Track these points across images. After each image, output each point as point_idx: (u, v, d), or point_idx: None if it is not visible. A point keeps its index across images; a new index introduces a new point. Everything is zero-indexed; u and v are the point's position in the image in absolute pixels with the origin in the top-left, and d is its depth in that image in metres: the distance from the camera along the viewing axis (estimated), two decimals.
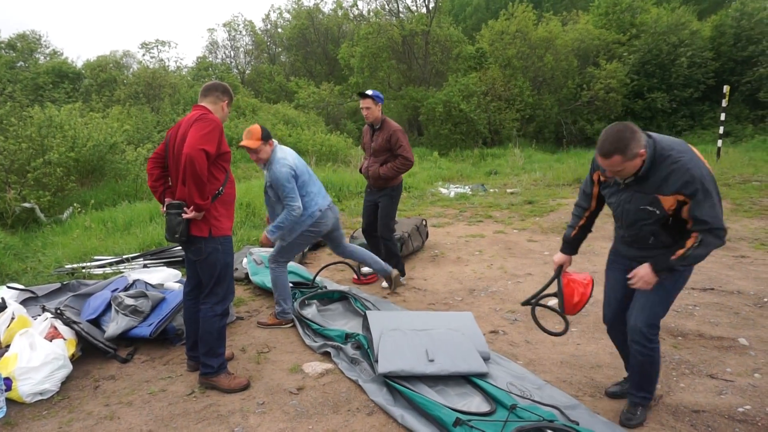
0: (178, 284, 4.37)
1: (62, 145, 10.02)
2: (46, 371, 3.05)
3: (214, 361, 3.07)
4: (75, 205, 8.37)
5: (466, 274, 5.26)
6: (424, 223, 6.30)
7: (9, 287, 4.32)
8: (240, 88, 27.03)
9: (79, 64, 27.15)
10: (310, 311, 4.06)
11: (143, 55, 27.66)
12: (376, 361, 3.08)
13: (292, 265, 5.01)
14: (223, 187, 3.01)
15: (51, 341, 3.26)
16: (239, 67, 37.37)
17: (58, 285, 4.55)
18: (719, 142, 14.71)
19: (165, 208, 2.96)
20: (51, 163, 9.43)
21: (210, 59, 35.37)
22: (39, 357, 3.06)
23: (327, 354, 3.46)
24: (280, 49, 37.99)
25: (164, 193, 3.14)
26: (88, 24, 59.35)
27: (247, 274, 5.03)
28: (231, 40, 38.00)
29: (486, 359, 3.21)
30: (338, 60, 27.28)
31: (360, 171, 5.02)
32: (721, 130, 14.76)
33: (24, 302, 4.20)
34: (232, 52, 38.58)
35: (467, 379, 3.03)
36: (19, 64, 28.04)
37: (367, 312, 3.46)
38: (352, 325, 3.97)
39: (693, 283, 4.73)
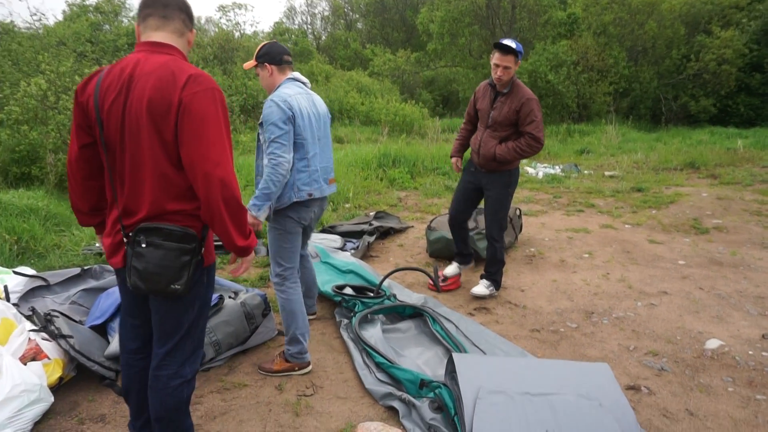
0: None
1: None
2: (12, 409, 2.22)
3: None
4: None
5: (575, 285, 4.05)
6: (518, 212, 5.10)
7: (16, 272, 3.60)
8: (315, 54, 26.33)
9: None
10: (374, 333, 3.03)
11: (220, 18, 27.47)
12: None
13: (355, 263, 4.01)
14: None
15: (29, 362, 2.45)
16: (315, 33, 36.89)
17: (77, 270, 3.79)
18: None
19: (140, 237, 1.72)
20: None
21: (287, 24, 34.98)
22: (3, 388, 2.24)
23: (393, 409, 2.43)
24: (357, 16, 37.05)
25: (101, 204, 1.95)
26: None
27: None
28: (308, 6, 37.46)
29: None
30: (416, 26, 25.86)
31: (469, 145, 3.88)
32: None
33: (33, 292, 3.48)
34: (308, 18, 38.10)
35: None
36: (105, 27, 28.64)
37: (453, 355, 2.38)
38: (429, 358, 2.92)
39: None
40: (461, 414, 2.14)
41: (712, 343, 3.06)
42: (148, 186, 1.73)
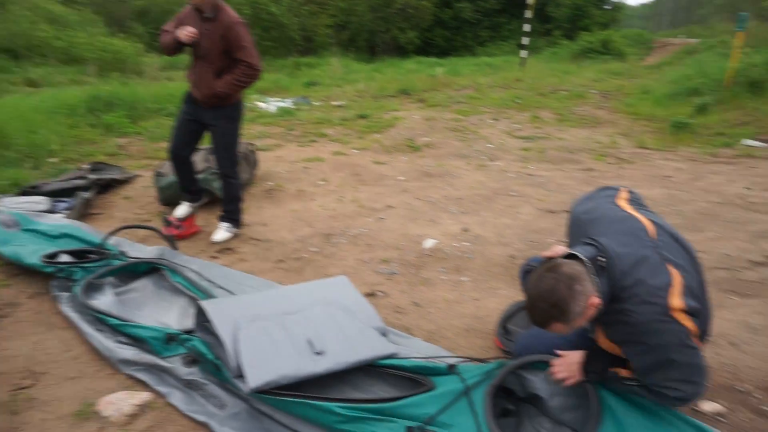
0: None
1: None
2: None
3: None
4: None
5: (314, 212, 4.24)
6: (250, 148, 5.02)
7: None
8: None
9: None
10: (105, 300, 2.69)
11: None
12: (239, 377, 1.99)
13: (69, 225, 3.44)
14: None
15: None
16: None
17: None
18: (523, 53, 15.38)
19: None
20: None
21: None
22: None
23: (141, 381, 2.23)
24: None
25: None
26: None
27: None
28: None
29: (383, 336, 2.35)
30: None
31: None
32: (527, 40, 15.35)
33: None
34: None
35: (375, 368, 2.15)
36: None
37: (200, 303, 2.27)
38: (173, 312, 2.75)
39: (556, 204, 4.40)
40: (222, 354, 2.09)
41: (429, 243, 3.58)
42: None
